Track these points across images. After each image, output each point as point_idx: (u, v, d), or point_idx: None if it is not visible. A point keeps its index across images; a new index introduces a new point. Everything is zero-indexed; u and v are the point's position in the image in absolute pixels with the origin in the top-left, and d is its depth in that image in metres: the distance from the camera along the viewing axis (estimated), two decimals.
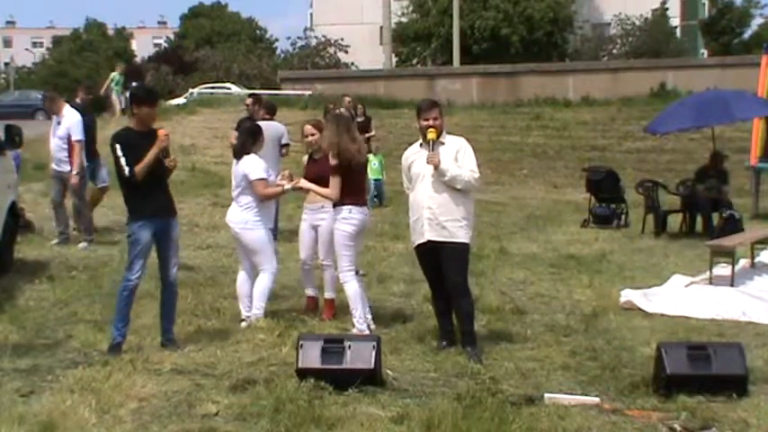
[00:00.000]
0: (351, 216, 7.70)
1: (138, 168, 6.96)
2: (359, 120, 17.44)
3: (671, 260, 11.73)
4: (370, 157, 16.56)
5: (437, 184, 7.04)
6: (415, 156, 7.24)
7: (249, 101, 13.09)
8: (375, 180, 17.01)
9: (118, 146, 7.02)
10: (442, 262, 7.09)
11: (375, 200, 16.70)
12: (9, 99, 42.73)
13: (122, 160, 6.99)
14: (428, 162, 6.97)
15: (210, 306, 8.62)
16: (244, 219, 7.88)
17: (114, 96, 26.86)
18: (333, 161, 7.67)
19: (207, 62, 52.85)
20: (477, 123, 26.16)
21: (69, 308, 8.52)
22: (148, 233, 7.10)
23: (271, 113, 12.30)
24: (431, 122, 7.04)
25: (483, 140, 22.45)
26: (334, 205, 7.78)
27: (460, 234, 7.06)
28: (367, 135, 17.28)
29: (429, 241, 7.07)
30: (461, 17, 39.76)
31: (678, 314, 8.69)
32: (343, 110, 15.90)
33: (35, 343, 7.32)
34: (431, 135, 6.99)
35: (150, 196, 7.09)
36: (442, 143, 7.10)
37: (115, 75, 27.52)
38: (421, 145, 7.19)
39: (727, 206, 13.85)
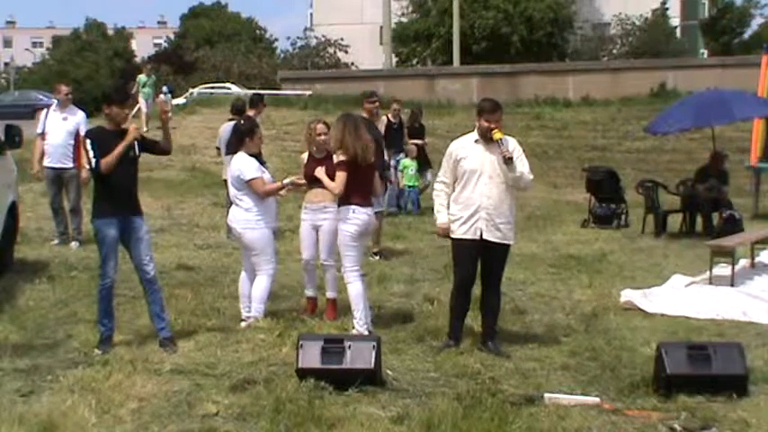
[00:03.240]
0: (355, 216, 7.69)
1: (105, 160, 7.05)
2: (416, 125, 16.85)
3: (671, 260, 11.73)
4: (409, 162, 16.18)
5: (492, 185, 7.13)
6: (468, 151, 7.24)
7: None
8: (410, 187, 16.17)
9: (88, 141, 7.22)
10: (490, 260, 7.26)
11: (409, 206, 16.05)
12: (9, 99, 42.72)
13: (90, 154, 7.16)
14: (505, 156, 7.04)
15: (210, 306, 8.62)
16: (245, 218, 7.85)
17: (141, 99, 25.52)
18: (340, 157, 7.69)
19: (207, 62, 52.89)
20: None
21: (69, 308, 8.52)
22: (113, 231, 7.16)
23: (237, 114, 12.30)
24: (493, 124, 7.12)
25: None
26: (339, 204, 7.78)
27: (510, 236, 7.29)
28: (420, 142, 16.83)
29: (483, 240, 7.14)
30: (461, 17, 39.77)
31: (678, 314, 8.69)
32: (390, 115, 15.63)
33: (35, 343, 7.32)
34: (497, 135, 7.10)
35: (114, 194, 7.16)
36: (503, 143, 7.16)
37: (142, 77, 26.55)
38: (476, 141, 7.23)
39: (727, 206, 13.85)
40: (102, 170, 7.09)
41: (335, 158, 7.79)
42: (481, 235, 7.15)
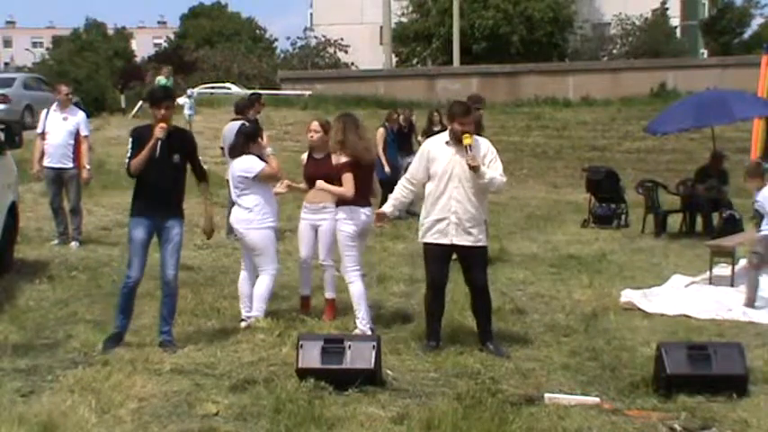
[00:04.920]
0: (354, 216, 7.71)
1: (133, 161, 7.08)
2: (435, 129, 16.35)
3: (671, 260, 11.73)
4: None
5: (462, 189, 7.09)
6: (441, 152, 7.19)
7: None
8: None
9: (130, 139, 7.23)
10: (467, 264, 7.23)
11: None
12: None
13: (128, 153, 7.18)
14: (470, 164, 6.98)
15: (210, 306, 8.62)
16: (247, 218, 7.85)
17: None
18: (343, 159, 7.70)
19: (207, 62, 52.85)
20: None
21: (69, 308, 8.52)
22: (142, 231, 7.14)
23: (241, 113, 12.32)
24: (466, 128, 7.08)
25: None
26: (337, 204, 7.78)
27: (482, 237, 7.23)
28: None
29: (456, 245, 7.13)
30: (461, 17, 39.79)
31: (678, 314, 8.70)
32: (401, 119, 15.72)
33: (35, 343, 7.31)
34: (467, 141, 7.03)
35: (147, 195, 7.16)
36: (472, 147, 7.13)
37: (161, 79, 25.64)
38: (447, 143, 7.19)
39: (727, 206, 13.85)
40: (131, 172, 7.14)
41: (335, 160, 7.79)
42: (452, 240, 7.12)
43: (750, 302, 8.94)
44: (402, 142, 15.54)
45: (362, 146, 7.77)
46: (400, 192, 7.43)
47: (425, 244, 7.29)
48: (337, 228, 7.76)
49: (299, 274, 8.54)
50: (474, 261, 7.22)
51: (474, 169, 7.00)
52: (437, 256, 7.25)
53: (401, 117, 15.88)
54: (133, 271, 7.19)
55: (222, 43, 61.15)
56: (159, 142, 7.04)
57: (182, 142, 7.28)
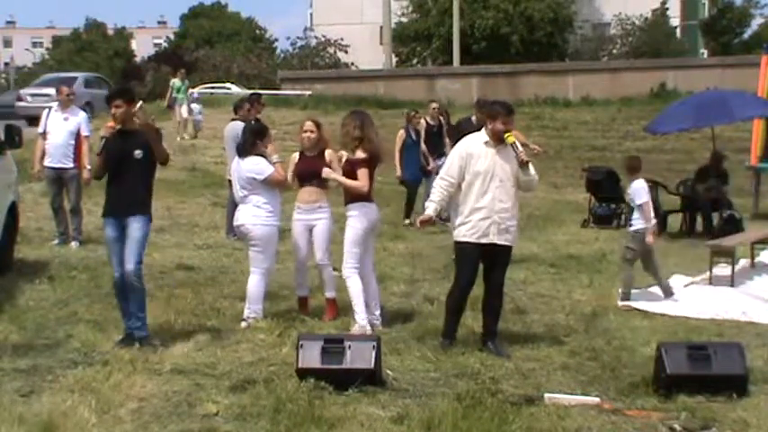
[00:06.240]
0: (366, 212, 7.80)
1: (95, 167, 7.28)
2: (445, 127, 15.51)
3: (671, 260, 11.70)
4: None
5: (503, 188, 7.14)
6: (481, 152, 7.16)
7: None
8: None
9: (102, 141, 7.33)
10: (494, 263, 7.28)
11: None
12: (9, 99, 42.59)
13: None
14: (523, 159, 7.08)
15: (210, 306, 8.63)
16: (255, 214, 7.90)
17: (176, 106, 24.65)
18: (360, 154, 7.76)
19: (207, 62, 52.86)
20: None
21: (69, 308, 8.52)
22: (110, 230, 7.27)
23: (235, 112, 12.35)
24: (509, 126, 7.14)
25: None
26: (353, 201, 7.82)
27: (515, 237, 7.36)
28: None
29: (493, 244, 7.14)
30: (461, 17, 39.79)
31: (678, 314, 8.70)
32: (428, 117, 15.27)
33: (35, 343, 7.31)
34: (511, 139, 7.10)
35: (111, 194, 7.30)
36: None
37: (176, 81, 25.42)
38: (486, 143, 7.18)
39: (727, 206, 13.85)
40: (94, 174, 7.46)
41: (349, 156, 7.85)
42: (492, 239, 7.13)
43: (625, 297, 9.08)
44: (433, 143, 14.68)
45: (378, 143, 7.93)
46: (440, 193, 7.29)
47: (465, 243, 7.19)
48: (351, 224, 7.80)
49: (295, 275, 8.54)
50: (501, 260, 7.30)
51: (525, 165, 7.10)
52: (474, 256, 7.23)
53: (427, 115, 15.10)
54: (114, 270, 7.29)
55: (222, 43, 61.19)
56: (104, 140, 7.18)
57: (140, 138, 7.21)
